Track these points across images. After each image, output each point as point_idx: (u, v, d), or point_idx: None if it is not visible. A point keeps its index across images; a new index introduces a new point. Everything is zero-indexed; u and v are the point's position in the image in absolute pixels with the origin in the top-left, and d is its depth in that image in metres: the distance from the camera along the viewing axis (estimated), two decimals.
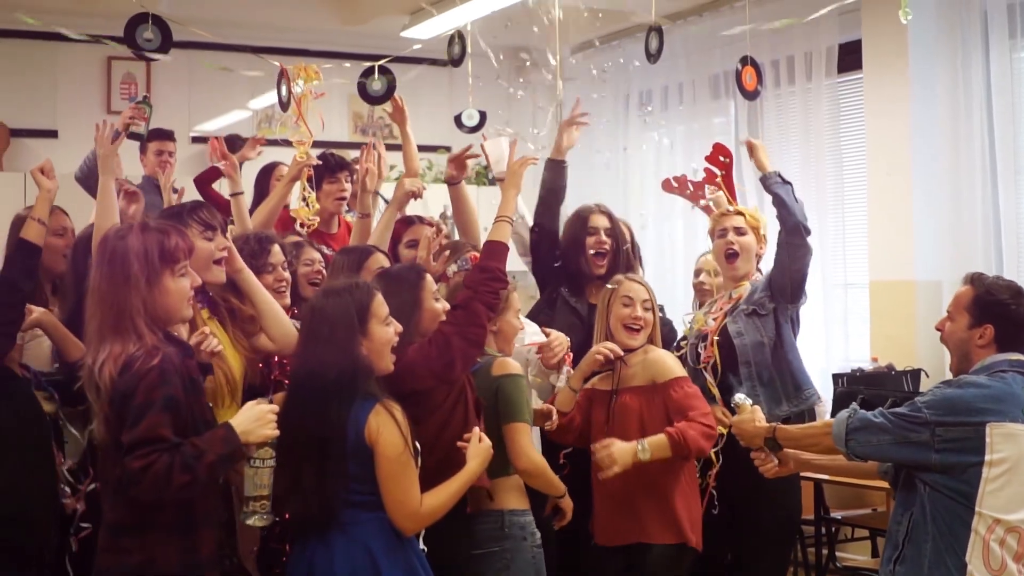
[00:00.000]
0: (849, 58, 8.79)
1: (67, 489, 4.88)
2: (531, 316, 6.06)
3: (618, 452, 5.03)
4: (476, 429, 4.49)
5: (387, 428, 4.05)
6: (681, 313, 6.46)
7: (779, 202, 5.82)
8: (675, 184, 6.57)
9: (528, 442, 4.91)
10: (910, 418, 4.21)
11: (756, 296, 5.81)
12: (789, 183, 5.90)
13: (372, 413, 4.05)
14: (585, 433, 5.48)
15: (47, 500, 4.78)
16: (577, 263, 6.16)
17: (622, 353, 5.42)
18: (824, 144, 8.97)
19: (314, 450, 4.06)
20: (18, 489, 4.63)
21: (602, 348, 5.42)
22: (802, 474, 5.66)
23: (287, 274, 5.27)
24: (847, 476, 5.70)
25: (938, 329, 4.60)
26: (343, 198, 6.77)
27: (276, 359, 5.06)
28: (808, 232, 5.84)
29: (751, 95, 6.94)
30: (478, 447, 4.38)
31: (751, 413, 4.72)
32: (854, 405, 4.38)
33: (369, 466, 4.06)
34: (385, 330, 4.24)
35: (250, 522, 4.06)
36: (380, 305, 4.26)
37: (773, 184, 5.85)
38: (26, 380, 4.85)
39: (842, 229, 8.98)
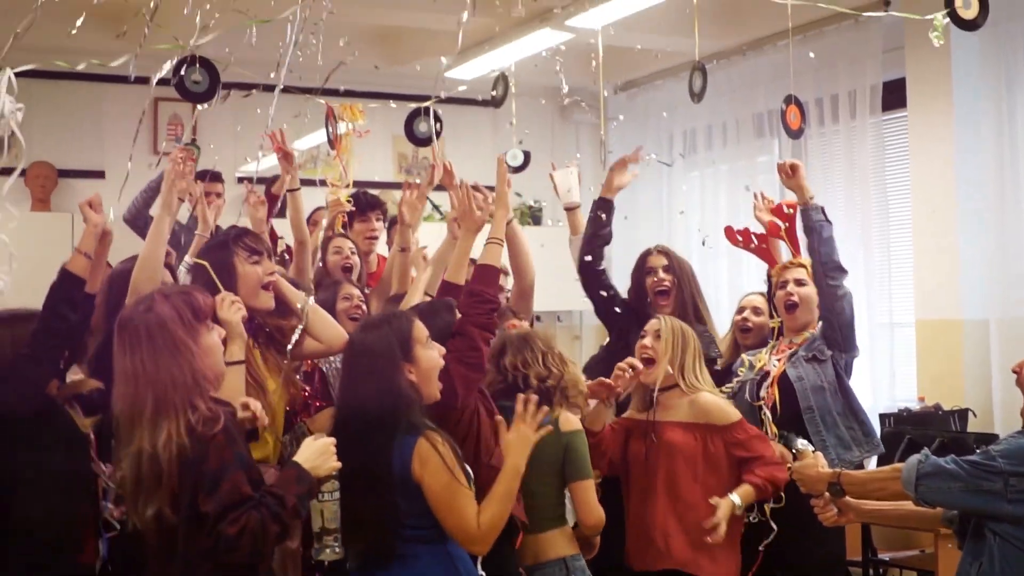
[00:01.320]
0: (893, 96, 8.76)
1: (109, 505, 4.86)
2: (607, 355, 6.11)
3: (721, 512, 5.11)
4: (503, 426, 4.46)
5: (431, 462, 4.03)
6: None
7: (819, 238, 5.84)
8: (740, 238, 6.54)
9: (595, 497, 4.97)
10: (984, 467, 4.11)
11: (815, 343, 5.84)
12: (830, 222, 5.90)
13: (415, 449, 4.03)
14: (620, 464, 5.46)
15: (91, 528, 4.79)
16: (644, 305, 6.21)
17: (640, 366, 5.37)
18: (868, 182, 8.93)
19: (364, 485, 4.03)
20: (62, 518, 4.64)
21: (622, 363, 5.39)
22: None
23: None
24: (908, 526, 5.65)
25: (1015, 372, 4.52)
26: (374, 237, 6.78)
27: (317, 375, 5.06)
28: (844, 271, 5.85)
29: (795, 134, 6.92)
30: (511, 441, 4.31)
31: (813, 458, 4.62)
32: (925, 450, 4.28)
33: (419, 500, 4.05)
34: (431, 353, 4.24)
35: (322, 557, 4.02)
36: (420, 329, 4.26)
37: (816, 219, 5.87)
38: (63, 407, 4.86)
39: (887, 268, 8.92)
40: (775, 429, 5.69)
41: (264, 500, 3.64)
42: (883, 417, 7.71)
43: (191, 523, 3.66)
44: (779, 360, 5.86)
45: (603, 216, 6.29)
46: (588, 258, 6.25)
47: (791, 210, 6.22)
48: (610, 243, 6.38)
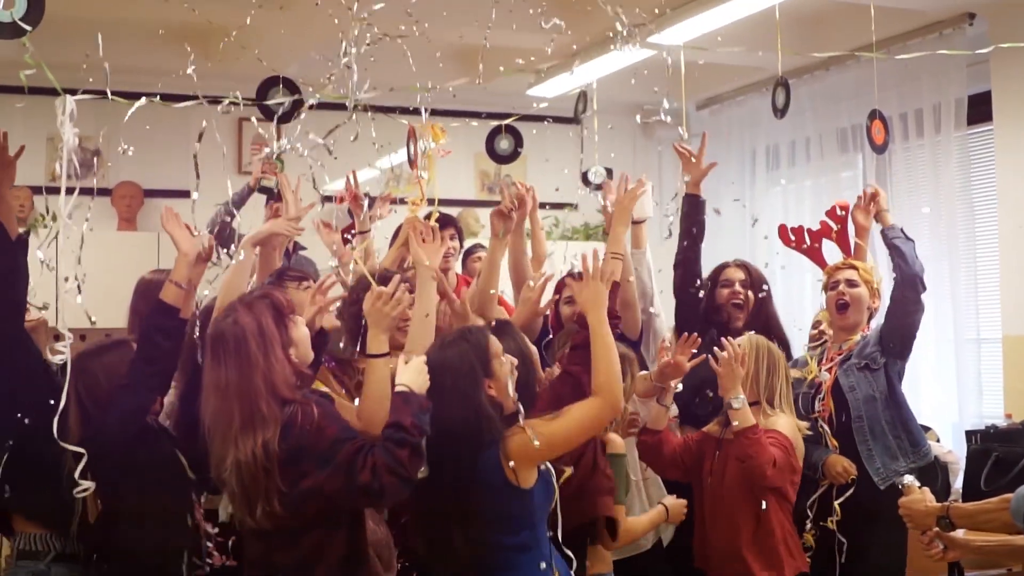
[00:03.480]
0: (979, 109, 8.69)
1: (209, 546, 4.90)
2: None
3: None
4: None
5: (522, 446, 4.03)
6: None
7: (899, 253, 5.85)
8: (792, 237, 6.52)
9: (624, 518, 5.06)
10: None
11: (868, 350, 5.82)
12: (911, 240, 5.88)
13: (500, 456, 4.03)
14: (694, 474, 5.45)
15: (187, 555, 4.83)
16: (719, 316, 6.21)
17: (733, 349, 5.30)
18: (954, 197, 8.85)
19: (453, 504, 4.05)
20: (161, 546, 4.68)
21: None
22: None
23: None
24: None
25: None
26: (449, 255, 6.79)
27: None
28: (924, 288, 5.85)
29: (880, 148, 6.89)
30: (586, 297, 4.43)
31: (920, 493, 4.48)
32: None
33: (520, 503, 4.06)
34: (505, 365, 4.24)
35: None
36: (496, 343, 4.27)
37: (894, 237, 5.88)
38: (164, 436, 4.90)
39: (974, 283, 8.85)
40: (835, 442, 5.74)
41: (378, 439, 3.76)
42: (969, 434, 7.62)
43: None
44: (829, 369, 5.86)
45: (692, 212, 6.25)
46: (686, 243, 6.22)
47: (843, 212, 6.24)
48: (702, 240, 6.31)
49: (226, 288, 4.89)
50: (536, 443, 4.00)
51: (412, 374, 3.96)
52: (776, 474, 5.10)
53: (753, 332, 5.59)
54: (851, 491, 5.65)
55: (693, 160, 6.23)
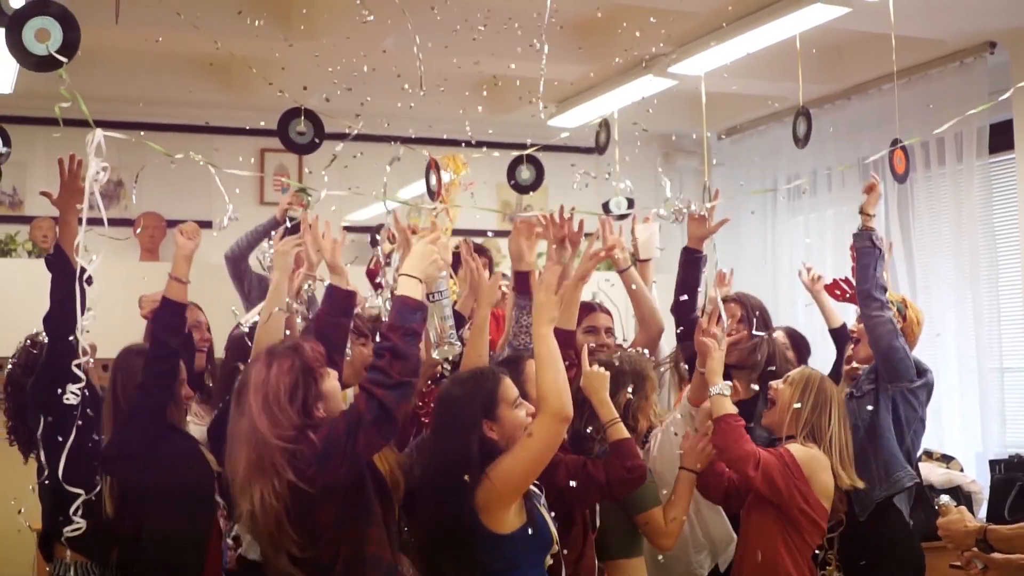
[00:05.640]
0: (1000, 138, 8.67)
1: (231, 542, 4.95)
2: None
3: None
4: None
5: (491, 495, 4.04)
6: None
7: (861, 263, 5.72)
8: (840, 290, 6.48)
9: (663, 523, 5.03)
10: None
11: (861, 378, 5.77)
12: (879, 249, 5.77)
13: (476, 494, 4.05)
14: (736, 496, 5.36)
15: (214, 549, 4.89)
16: None
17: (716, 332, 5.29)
18: (977, 226, 8.82)
19: (451, 539, 4.08)
20: (178, 541, 4.75)
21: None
22: None
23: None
24: None
25: None
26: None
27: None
28: (878, 301, 5.65)
29: (901, 178, 6.87)
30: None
31: (959, 513, 4.45)
32: None
33: (498, 549, 4.06)
34: (516, 413, 4.21)
35: (443, 354, 4.29)
36: (508, 388, 4.24)
37: (860, 245, 5.74)
38: (185, 432, 5.00)
39: (997, 312, 8.81)
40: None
41: (382, 343, 3.82)
42: (993, 463, 7.61)
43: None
44: None
45: (685, 262, 6.13)
46: (684, 298, 6.16)
47: (847, 287, 6.30)
48: (696, 292, 6.25)
49: (261, 332, 4.91)
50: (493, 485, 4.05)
51: (417, 261, 4.01)
52: (764, 481, 4.99)
53: (807, 366, 5.59)
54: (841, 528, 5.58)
55: (705, 216, 6.13)
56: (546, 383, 4.16)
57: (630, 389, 5.10)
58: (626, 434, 4.76)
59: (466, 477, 4.01)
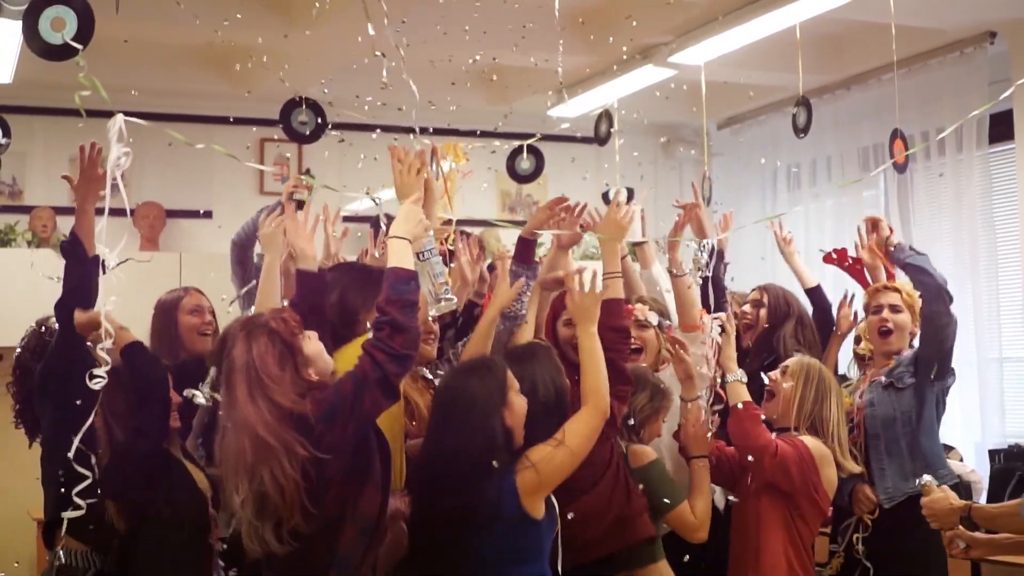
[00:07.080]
0: (1000, 128, 8.65)
1: (221, 563, 4.93)
2: None
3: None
4: None
5: (537, 479, 4.10)
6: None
7: (917, 270, 5.68)
8: (835, 256, 6.50)
9: (691, 516, 5.04)
10: None
11: (898, 370, 5.68)
12: (923, 253, 5.79)
13: (517, 485, 4.08)
14: (737, 481, 5.36)
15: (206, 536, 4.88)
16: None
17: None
18: (976, 216, 8.83)
19: (459, 530, 4.08)
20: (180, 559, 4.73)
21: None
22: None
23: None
24: None
25: None
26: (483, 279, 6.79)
27: None
28: (950, 299, 5.65)
29: (901, 168, 6.87)
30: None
31: (942, 492, 4.47)
32: None
33: (532, 532, 4.12)
34: (521, 399, 4.23)
35: (440, 311, 4.34)
36: (511, 375, 4.27)
37: (906, 256, 5.75)
38: (181, 462, 4.93)
39: (996, 302, 8.81)
40: (866, 471, 5.64)
41: (381, 318, 3.79)
42: (992, 453, 7.62)
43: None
44: (860, 397, 5.77)
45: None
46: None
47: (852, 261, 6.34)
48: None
49: (258, 304, 4.90)
50: (541, 475, 4.11)
51: (405, 223, 3.98)
52: (778, 469, 5.02)
53: (805, 355, 5.56)
54: (875, 517, 5.59)
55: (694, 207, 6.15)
56: (595, 379, 4.38)
57: (649, 395, 5.13)
58: (621, 294, 4.90)
59: (495, 463, 4.05)
